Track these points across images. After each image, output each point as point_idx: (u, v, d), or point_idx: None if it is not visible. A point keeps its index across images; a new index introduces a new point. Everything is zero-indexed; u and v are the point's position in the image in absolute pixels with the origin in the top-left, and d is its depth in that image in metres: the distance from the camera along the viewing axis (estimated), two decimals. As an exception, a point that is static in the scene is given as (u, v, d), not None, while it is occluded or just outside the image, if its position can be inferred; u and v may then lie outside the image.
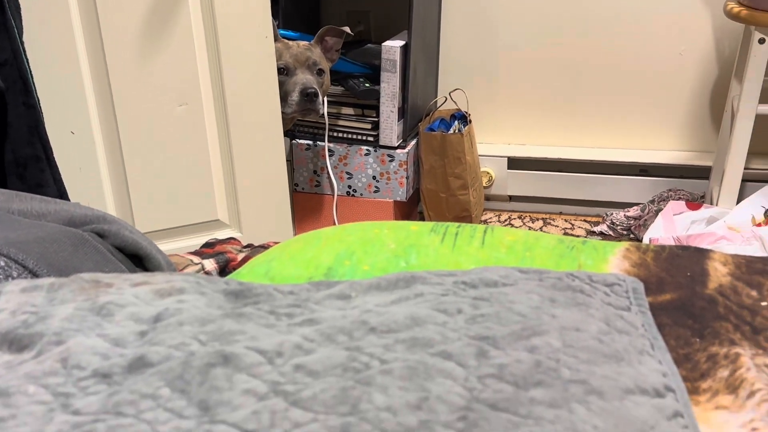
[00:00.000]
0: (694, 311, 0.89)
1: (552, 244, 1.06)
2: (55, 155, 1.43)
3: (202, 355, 0.57)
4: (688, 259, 0.99)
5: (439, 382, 0.57)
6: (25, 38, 1.38)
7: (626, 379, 0.61)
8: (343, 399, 0.55)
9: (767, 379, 0.78)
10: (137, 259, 0.93)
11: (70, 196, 1.48)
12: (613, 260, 1.00)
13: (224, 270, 1.13)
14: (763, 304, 0.88)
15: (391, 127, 2.09)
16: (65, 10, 1.49)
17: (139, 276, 0.68)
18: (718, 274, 0.94)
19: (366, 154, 2.13)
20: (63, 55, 1.52)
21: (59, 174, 1.43)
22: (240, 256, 1.16)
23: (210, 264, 1.11)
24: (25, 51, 1.37)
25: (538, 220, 2.29)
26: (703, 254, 0.99)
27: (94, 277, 0.67)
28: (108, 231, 0.91)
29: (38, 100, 1.40)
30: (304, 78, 1.81)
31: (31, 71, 1.38)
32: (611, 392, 0.59)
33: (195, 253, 1.16)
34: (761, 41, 1.79)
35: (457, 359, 0.60)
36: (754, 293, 0.90)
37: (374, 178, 2.14)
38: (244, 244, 1.29)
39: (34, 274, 0.77)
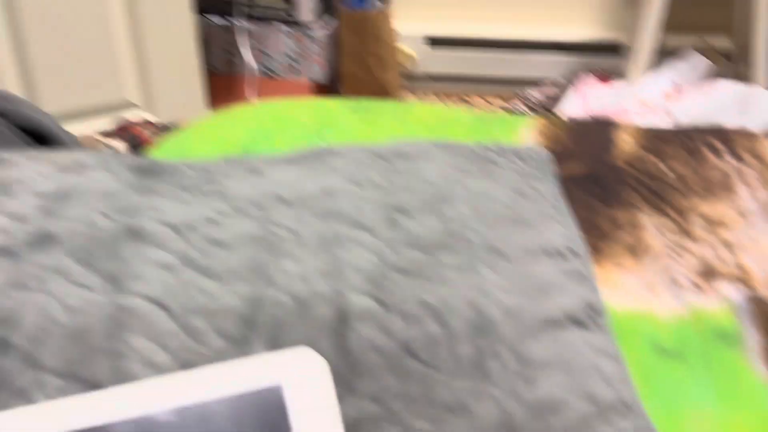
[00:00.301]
0: (600, 180, 0.92)
1: (466, 119, 1.07)
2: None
3: (109, 229, 0.56)
4: (597, 132, 1.01)
5: (350, 250, 0.58)
6: None
7: (531, 243, 0.63)
8: (254, 268, 0.55)
9: (665, 242, 0.82)
10: (41, 139, 0.90)
11: (-33, 77, 1.40)
12: (525, 133, 1.01)
13: (135, 150, 1.10)
14: (667, 172, 0.92)
15: (305, 2, 2.03)
16: None
17: (41, 153, 0.66)
18: (626, 144, 0.97)
19: (282, 32, 2.07)
20: None
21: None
22: (151, 136, 1.13)
23: (121, 145, 1.08)
24: None
25: (455, 99, 2.29)
26: (611, 126, 1.02)
27: (-9, 153, 0.64)
28: (7, 110, 0.87)
29: None
30: None
31: None
32: (517, 255, 0.61)
33: (105, 134, 1.13)
34: None
35: (369, 228, 0.60)
36: (658, 162, 0.94)
37: (291, 57, 2.08)
38: (159, 125, 1.26)
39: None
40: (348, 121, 1.03)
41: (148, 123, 1.19)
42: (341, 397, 0.50)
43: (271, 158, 0.70)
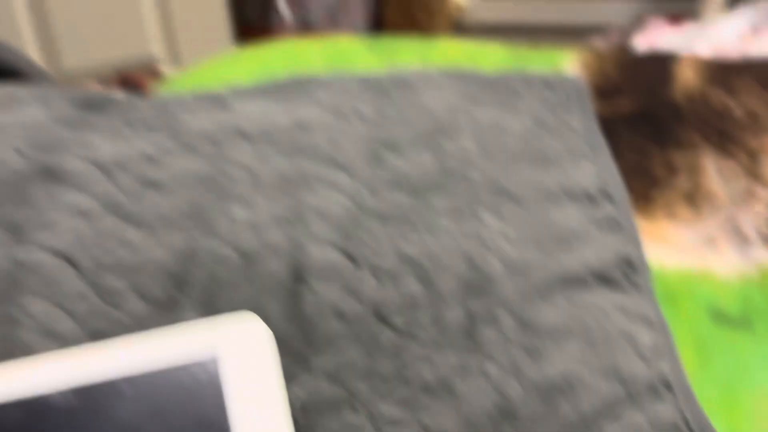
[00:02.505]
0: (654, 118, 0.78)
1: (501, 54, 0.94)
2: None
3: (20, 169, 0.46)
4: (653, 65, 0.86)
5: (318, 193, 0.47)
6: None
7: (552, 183, 0.51)
8: (193, 215, 0.44)
9: (731, 188, 0.68)
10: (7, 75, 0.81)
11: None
12: (568, 67, 0.88)
13: (137, 99, 1.01)
14: (735, 108, 0.77)
15: (347, -49, 1.91)
16: None
17: (-29, 86, 0.56)
18: (687, 78, 0.82)
19: (322, -17, 1.95)
20: None
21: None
22: (152, 83, 1.04)
23: (118, 93, 0.99)
24: None
25: (512, 50, 2.14)
26: (669, 59, 0.87)
27: None
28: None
29: None
30: None
31: None
32: (530, 197, 0.49)
33: (102, 80, 1.04)
34: None
35: (346, 166, 0.49)
36: (726, 97, 0.79)
37: (330, 7, 1.97)
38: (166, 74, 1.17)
39: None
40: (363, 59, 0.91)
41: (155, 72, 1.10)
42: (292, 375, 0.39)
43: (242, 89, 0.59)
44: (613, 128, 0.72)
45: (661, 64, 0.87)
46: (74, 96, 0.56)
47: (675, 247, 0.63)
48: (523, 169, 0.51)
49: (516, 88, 0.61)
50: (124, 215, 0.44)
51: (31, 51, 1.45)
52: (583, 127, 0.60)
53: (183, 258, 0.42)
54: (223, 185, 0.46)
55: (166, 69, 1.48)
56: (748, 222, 0.64)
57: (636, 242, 0.51)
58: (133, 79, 1.02)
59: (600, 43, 2.00)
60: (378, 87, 0.59)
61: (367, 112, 0.55)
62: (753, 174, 0.68)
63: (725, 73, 0.84)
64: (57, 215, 0.43)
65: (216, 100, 0.56)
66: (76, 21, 1.48)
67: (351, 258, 0.43)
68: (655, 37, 1.71)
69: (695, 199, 0.67)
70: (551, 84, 0.64)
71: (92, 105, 0.55)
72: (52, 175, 0.45)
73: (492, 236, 0.45)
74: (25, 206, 0.43)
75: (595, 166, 0.55)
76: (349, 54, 0.93)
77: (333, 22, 1.98)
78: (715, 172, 0.70)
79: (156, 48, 1.56)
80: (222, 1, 1.58)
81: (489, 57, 0.92)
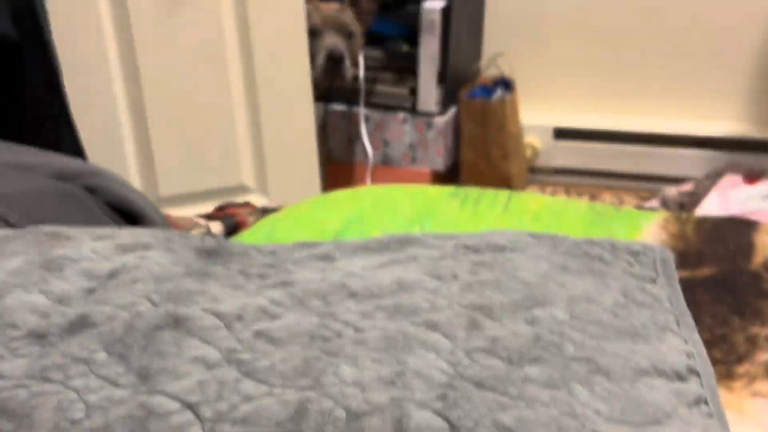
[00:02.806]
0: (735, 288, 0.80)
1: (582, 211, 0.97)
2: (74, 114, 1.39)
3: (150, 317, 0.50)
4: (733, 231, 0.89)
5: (419, 355, 0.50)
6: (43, -8, 1.34)
7: (641, 359, 0.53)
8: (305, 371, 0.48)
9: (815, 365, 0.68)
10: (131, 219, 0.88)
11: (90, 156, 1.44)
12: (649, 230, 0.90)
13: (232, 233, 1.07)
14: (816, 281, 0.78)
15: (429, 93, 2.01)
16: (87, -36, 1.45)
17: (105, 230, 0.62)
18: (766, 247, 0.84)
19: (403, 121, 2.05)
20: (84, 8, 1.47)
21: (77, 132, 1.39)
22: (251, 219, 1.10)
23: (217, 226, 1.05)
24: (44, 6, 1.33)
25: (585, 194, 2.18)
26: (750, 226, 0.89)
27: (55, 229, 0.61)
28: (99, 186, 0.85)
29: (57, 57, 1.35)
30: (331, 41, 1.74)
31: (50, 27, 1.34)
32: (621, 373, 0.51)
33: (204, 216, 1.11)
34: (831, 2, 1.64)
35: (444, 330, 0.52)
36: (806, 269, 0.80)
37: (411, 146, 2.05)
38: (261, 209, 1.23)
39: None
40: (449, 209, 0.95)
41: (249, 206, 1.17)
42: None
43: (347, 244, 0.63)
44: (693, 294, 0.74)
45: (742, 231, 0.89)
46: (195, 244, 0.61)
47: (757, 424, 0.64)
48: (613, 342, 0.53)
49: (604, 256, 0.64)
50: (242, 367, 0.48)
51: (133, 178, 1.56)
52: (669, 299, 0.62)
53: (295, 413, 0.45)
54: (331, 342, 0.50)
55: (255, 198, 1.56)
56: (834, 403, 0.64)
57: (723, 424, 0.53)
58: (233, 213, 1.08)
59: (673, 192, 2.03)
60: (473, 249, 0.63)
61: (463, 275, 0.58)
62: (838, 352, 0.69)
63: (806, 243, 0.85)
64: (184, 365, 0.47)
65: (325, 256, 0.60)
66: (175, 151, 1.59)
67: (450, 423, 0.45)
68: (730, 193, 1.73)
69: (778, 374, 0.68)
70: (636, 253, 0.67)
71: (211, 253, 0.60)
72: (178, 323, 0.50)
73: (584, 411, 0.47)
74: (155, 354, 0.48)
75: (682, 341, 0.57)
76: (436, 202, 0.98)
77: (412, 160, 2.06)
78: (798, 347, 0.70)
79: (247, 177, 1.65)
80: (312, 137, 1.68)
81: (571, 213, 0.95)
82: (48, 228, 0.61)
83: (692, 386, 0.53)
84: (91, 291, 0.53)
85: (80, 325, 0.49)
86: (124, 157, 1.56)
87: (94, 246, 0.58)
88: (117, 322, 0.49)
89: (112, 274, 0.55)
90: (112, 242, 0.59)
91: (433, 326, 0.52)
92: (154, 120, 1.57)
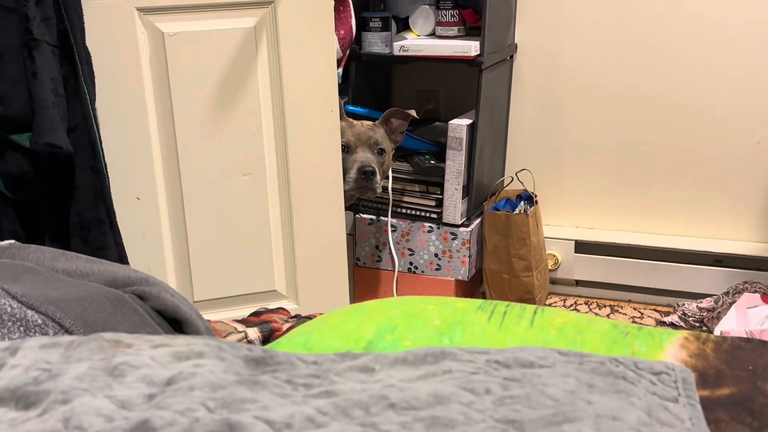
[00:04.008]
0: (754, 408, 0.83)
1: (605, 328, 1.01)
2: (119, 220, 1.46)
3: (207, 422, 0.54)
4: (752, 352, 0.92)
5: (455, 467, 0.53)
6: (97, 104, 1.43)
7: (665, 477, 0.56)
8: (350, 478, 0.51)
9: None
10: (177, 323, 0.93)
11: (131, 262, 1.51)
12: (670, 349, 0.94)
13: (268, 339, 1.11)
14: (834, 404, 0.81)
15: (455, 205, 2.07)
16: (138, 80, 1.55)
17: (162, 338, 0.67)
18: (785, 371, 0.87)
19: (429, 231, 2.11)
20: (133, 122, 1.57)
21: (121, 238, 1.46)
22: (285, 326, 1.15)
23: (254, 333, 1.10)
24: (96, 117, 1.42)
25: (605, 306, 2.21)
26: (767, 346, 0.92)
27: (115, 336, 0.66)
28: (149, 293, 0.91)
29: (105, 165, 1.44)
30: (363, 156, 1.82)
31: (100, 137, 1.43)
32: (646, 490, 0.54)
33: (240, 321, 1.15)
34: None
35: (479, 443, 0.56)
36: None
37: (436, 255, 2.11)
38: (294, 315, 1.28)
39: (70, 334, 0.76)
40: (477, 322, 0.99)
41: (283, 312, 1.21)
42: None
43: (385, 357, 0.68)
44: (712, 413, 0.77)
45: (760, 351, 0.92)
46: (244, 353, 0.66)
47: None
48: (637, 459, 0.56)
49: (628, 375, 0.68)
50: (291, 473, 0.51)
51: (170, 282, 1.62)
52: (690, 418, 0.66)
53: None
54: (373, 452, 0.54)
55: (287, 304, 1.61)
56: None
57: None
58: (268, 320, 1.13)
59: (693, 308, 2.05)
60: (503, 364, 0.67)
61: (495, 390, 0.62)
62: None
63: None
64: (237, 468, 0.51)
65: (365, 368, 0.64)
66: (211, 257, 1.66)
67: None
68: (749, 311, 1.76)
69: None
70: (660, 373, 0.71)
71: (259, 362, 0.65)
72: (232, 429, 0.54)
73: None
74: (212, 458, 0.51)
75: (703, 460, 0.60)
76: (465, 315, 1.02)
77: (437, 268, 2.12)
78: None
79: (279, 283, 1.71)
80: (343, 247, 1.74)
81: (594, 330, 0.99)
82: (109, 335, 0.66)
83: (714, 505, 0.56)
84: (151, 397, 0.57)
85: (143, 429, 0.53)
86: (163, 262, 1.62)
87: (152, 353, 0.63)
88: (176, 428, 0.53)
89: (170, 381, 0.59)
90: (169, 350, 0.64)
91: (467, 439, 0.56)
92: (193, 227, 1.64)
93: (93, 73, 1.43)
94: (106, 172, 1.44)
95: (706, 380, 0.84)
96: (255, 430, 0.54)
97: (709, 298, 2.05)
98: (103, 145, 1.44)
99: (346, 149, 1.83)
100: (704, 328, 2.00)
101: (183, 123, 1.60)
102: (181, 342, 0.66)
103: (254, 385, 0.60)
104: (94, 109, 1.41)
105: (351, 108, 2.10)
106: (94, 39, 1.45)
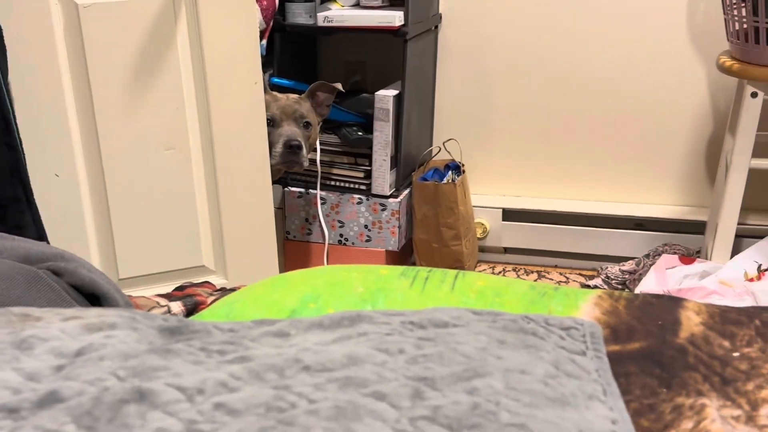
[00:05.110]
0: (662, 360, 0.86)
1: (523, 290, 1.03)
2: (38, 198, 1.42)
3: (116, 391, 0.54)
4: (661, 308, 0.95)
5: (367, 423, 0.54)
6: (9, 78, 1.39)
7: (570, 425, 0.58)
8: (261, 439, 0.52)
9: None
10: (95, 298, 0.91)
11: (52, 240, 1.47)
12: (585, 307, 0.97)
13: (192, 312, 1.10)
14: (735, 354, 0.85)
15: (383, 176, 2.08)
16: (53, 53, 1.51)
17: (73, 310, 0.66)
18: (691, 323, 0.91)
19: (358, 203, 2.12)
20: (49, 97, 1.52)
21: (39, 216, 1.43)
22: (210, 300, 1.14)
23: (177, 306, 1.09)
24: (9, 91, 1.38)
25: (532, 273, 2.26)
26: (676, 303, 0.96)
27: (24, 310, 0.65)
28: (65, 269, 0.89)
29: (20, 141, 1.40)
30: (289, 130, 1.81)
31: (14, 112, 1.38)
32: (550, 437, 0.56)
33: (164, 295, 1.14)
34: (753, 95, 1.77)
35: (391, 400, 0.57)
36: (726, 343, 0.87)
37: (366, 227, 2.12)
38: (219, 288, 1.27)
39: (-19, 311, 0.75)
40: (400, 288, 1.01)
41: (208, 285, 1.21)
42: None
43: (301, 322, 0.68)
44: (623, 366, 0.80)
45: (670, 307, 0.95)
46: (158, 323, 0.66)
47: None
48: (544, 409, 0.58)
49: (538, 331, 0.70)
50: (202, 436, 0.51)
51: (93, 260, 1.59)
52: (597, 371, 0.68)
53: (251, 478, 0.49)
54: (286, 412, 0.54)
55: (216, 279, 1.60)
56: (751, 466, 0.69)
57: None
58: (192, 294, 1.12)
59: (615, 271, 2.11)
60: (418, 325, 0.68)
61: (409, 350, 0.64)
62: (751, 419, 0.75)
63: (727, 320, 0.92)
64: (148, 434, 0.51)
65: (280, 333, 0.65)
66: (136, 233, 1.63)
67: (394, 486, 0.50)
68: (668, 272, 1.82)
69: (702, 440, 0.73)
70: (569, 328, 0.73)
71: (174, 332, 0.65)
72: (144, 398, 0.54)
73: (516, 472, 0.52)
74: (121, 426, 0.51)
75: (608, 409, 0.63)
76: (387, 281, 1.03)
77: (367, 240, 2.13)
78: (717, 415, 0.76)
79: (207, 259, 1.69)
80: (271, 220, 1.73)
81: (513, 291, 1.02)
82: (17, 309, 0.65)
83: (616, 450, 0.58)
84: (60, 368, 0.57)
85: (51, 399, 0.53)
86: (86, 239, 1.59)
87: (62, 326, 0.62)
88: (85, 397, 0.53)
89: (80, 352, 0.59)
90: (80, 322, 0.63)
91: (380, 397, 0.57)
92: (116, 203, 1.61)
93: (4, 46, 1.39)
94: (22, 148, 1.40)
95: (617, 335, 0.87)
96: (166, 396, 0.55)
97: (631, 261, 2.12)
98: (18, 121, 1.40)
99: (272, 123, 1.81)
100: (627, 289, 2.07)
101: (101, 97, 1.56)
102: (92, 314, 0.65)
103: (167, 353, 0.60)
104: (6, 84, 1.36)
105: (277, 80, 2.09)
106: (4, 11, 1.40)
